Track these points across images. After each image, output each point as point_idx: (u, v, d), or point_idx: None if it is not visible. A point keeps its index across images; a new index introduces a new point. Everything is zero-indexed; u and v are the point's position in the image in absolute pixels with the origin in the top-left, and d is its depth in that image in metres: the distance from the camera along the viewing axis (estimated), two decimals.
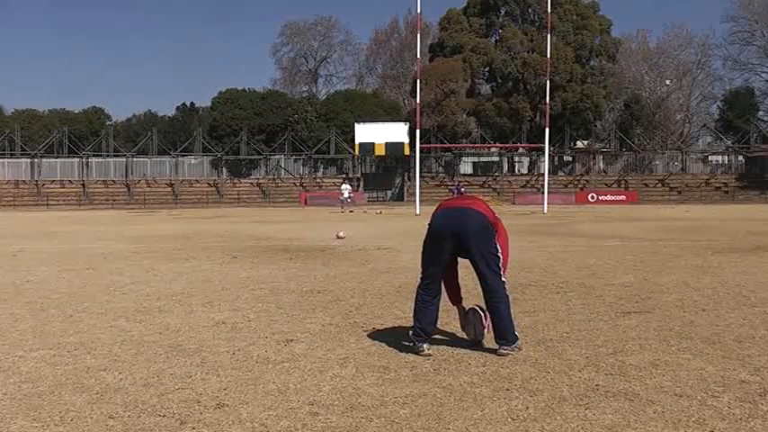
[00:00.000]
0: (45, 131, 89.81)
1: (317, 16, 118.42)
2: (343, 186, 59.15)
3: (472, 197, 8.54)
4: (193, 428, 5.51)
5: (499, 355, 7.45)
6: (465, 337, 8.15)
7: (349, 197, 58.77)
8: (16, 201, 79.30)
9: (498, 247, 7.72)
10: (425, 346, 7.70)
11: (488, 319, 7.84)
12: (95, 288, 13.29)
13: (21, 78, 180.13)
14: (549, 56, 56.44)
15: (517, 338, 7.72)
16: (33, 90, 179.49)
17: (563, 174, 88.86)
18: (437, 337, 8.53)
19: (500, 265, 7.68)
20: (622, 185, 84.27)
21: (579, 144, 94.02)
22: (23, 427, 5.65)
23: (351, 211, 53.42)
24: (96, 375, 7.06)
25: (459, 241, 7.68)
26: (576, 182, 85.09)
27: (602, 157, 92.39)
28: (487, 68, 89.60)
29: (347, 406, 5.99)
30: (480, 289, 7.82)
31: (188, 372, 7.10)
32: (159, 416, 5.82)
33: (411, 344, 7.76)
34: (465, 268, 8.25)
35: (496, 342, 7.64)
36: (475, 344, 7.99)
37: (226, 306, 10.98)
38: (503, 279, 7.70)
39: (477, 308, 8.09)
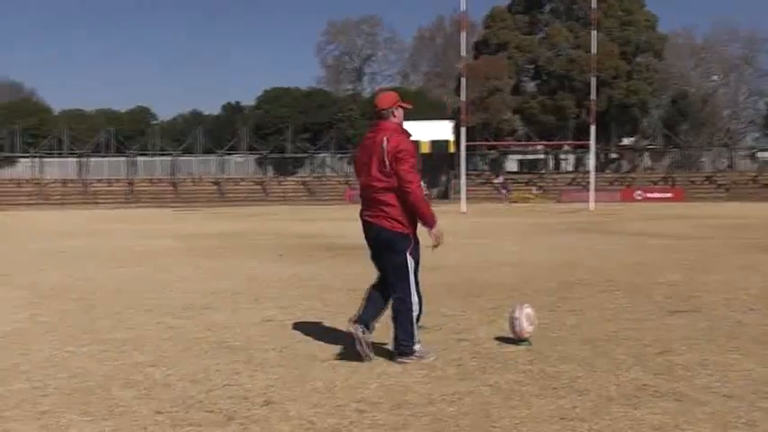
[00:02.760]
0: (92, 131, 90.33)
1: (362, 14, 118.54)
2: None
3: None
4: (241, 425, 5.53)
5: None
6: (512, 335, 8.09)
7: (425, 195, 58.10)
8: (64, 199, 79.88)
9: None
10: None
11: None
12: (142, 285, 13.39)
13: (68, 79, 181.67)
14: (594, 52, 56.06)
15: (412, 351, 7.38)
16: (81, 91, 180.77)
17: (609, 171, 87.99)
18: (482, 335, 8.50)
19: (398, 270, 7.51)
20: (669, 183, 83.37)
21: (625, 141, 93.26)
22: (73, 420, 5.70)
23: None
24: (144, 371, 7.11)
25: None
26: (622, 179, 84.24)
27: (648, 154, 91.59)
28: (532, 66, 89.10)
29: (394, 403, 5.98)
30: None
31: (235, 368, 7.13)
32: (207, 411, 5.85)
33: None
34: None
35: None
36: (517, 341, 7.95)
37: (272, 303, 11.02)
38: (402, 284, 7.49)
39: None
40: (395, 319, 7.44)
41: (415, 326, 7.37)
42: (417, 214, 7.39)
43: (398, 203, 7.32)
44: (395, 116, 7.54)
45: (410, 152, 7.31)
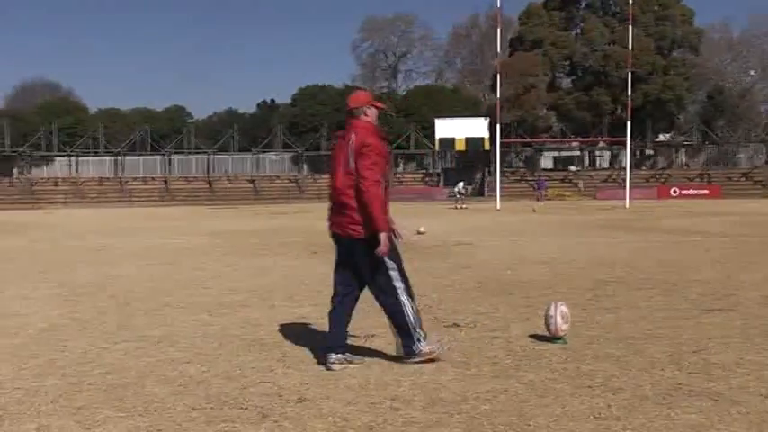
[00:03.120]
0: (128, 130, 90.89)
1: (397, 12, 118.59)
2: (459, 185, 58.29)
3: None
4: (275, 422, 5.55)
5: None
6: (546, 333, 8.06)
7: (462, 194, 57.30)
8: (100, 197, 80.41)
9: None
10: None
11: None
12: (178, 282, 13.46)
13: (104, 79, 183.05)
14: (630, 48, 55.74)
15: (419, 349, 7.14)
16: (116, 90, 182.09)
17: (645, 168, 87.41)
18: (516, 333, 8.48)
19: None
20: (705, 179, 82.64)
21: (661, 137, 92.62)
22: (108, 416, 5.74)
23: (465, 207, 52.32)
24: (179, 368, 7.15)
25: None
26: (657, 176, 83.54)
27: (684, 150, 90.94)
28: (568, 62, 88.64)
29: (428, 401, 5.98)
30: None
31: (270, 365, 7.16)
32: (241, 408, 5.87)
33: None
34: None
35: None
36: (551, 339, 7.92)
37: (306, 301, 11.04)
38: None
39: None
40: (392, 326, 7.27)
41: (414, 325, 7.12)
42: (368, 214, 6.94)
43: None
44: (367, 115, 7.37)
45: (375, 149, 7.06)
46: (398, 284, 7.14)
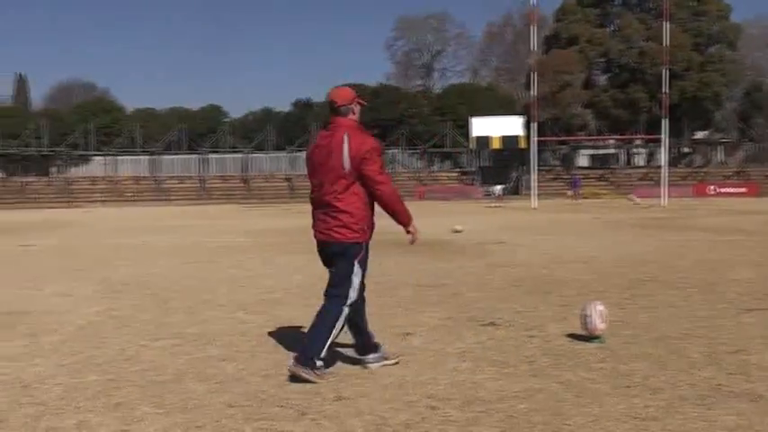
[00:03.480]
0: (164, 129, 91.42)
1: (431, 10, 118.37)
2: (496, 188, 58.22)
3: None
4: (313, 420, 5.56)
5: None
6: (584, 332, 8.02)
7: (499, 195, 57.07)
8: (137, 196, 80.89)
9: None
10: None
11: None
12: (215, 280, 13.53)
13: (141, 79, 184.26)
14: (666, 44, 55.35)
15: (313, 364, 6.65)
16: (152, 91, 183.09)
17: (681, 166, 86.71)
18: (553, 332, 8.46)
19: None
20: (743, 177, 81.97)
21: (698, 135, 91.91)
22: (147, 413, 5.78)
23: (499, 206, 52.28)
24: (217, 365, 7.18)
25: None
26: (694, 174, 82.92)
27: (721, 147, 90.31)
28: (603, 59, 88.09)
29: (465, 400, 5.98)
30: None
31: None
32: (279, 406, 5.89)
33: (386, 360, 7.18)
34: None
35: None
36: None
37: None
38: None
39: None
40: (310, 330, 6.92)
41: (328, 342, 6.70)
42: (392, 214, 6.96)
43: (352, 209, 6.79)
44: (354, 113, 7.08)
45: (377, 151, 6.83)
46: (350, 298, 6.84)
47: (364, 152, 6.70)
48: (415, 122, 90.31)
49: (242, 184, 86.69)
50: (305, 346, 6.75)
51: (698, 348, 7.55)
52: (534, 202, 51.31)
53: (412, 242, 7.17)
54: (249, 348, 7.90)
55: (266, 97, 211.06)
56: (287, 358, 7.32)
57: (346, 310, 6.81)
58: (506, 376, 6.64)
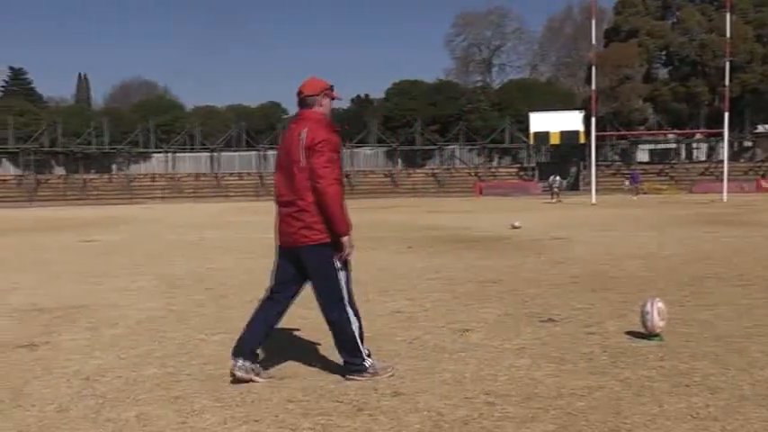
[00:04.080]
0: (223, 126, 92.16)
1: (491, 5, 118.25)
2: (551, 179, 57.58)
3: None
4: (370, 415, 5.56)
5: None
6: (642, 330, 7.94)
7: (558, 188, 56.39)
8: (197, 192, 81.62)
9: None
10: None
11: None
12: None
13: (200, 78, 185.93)
14: (728, 36, 54.64)
15: (364, 367, 6.59)
16: (212, 88, 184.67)
17: (743, 160, 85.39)
18: (612, 329, 8.38)
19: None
20: None
21: (760, 128, 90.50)
22: (206, 406, 5.83)
23: (559, 201, 51.79)
24: (275, 360, 7.20)
25: None
26: (756, 168, 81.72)
27: None
28: (664, 52, 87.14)
29: (523, 396, 5.94)
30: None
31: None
32: (337, 401, 5.90)
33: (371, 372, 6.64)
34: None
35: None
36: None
37: (401, 295, 11.06)
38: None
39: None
40: (336, 344, 6.72)
41: (359, 342, 6.58)
42: (328, 217, 6.36)
43: (315, 207, 6.39)
44: (321, 105, 6.67)
45: (330, 144, 6.38)
46: (345, 296, 6.56)
47: (316, 143, 6.33)
48: (474, 118, 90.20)
49: None
50: (345, 362, 6.64)
51: (759, 347, 7.43)
52: (594, 197, 50.93)
53: (341, 258, 6.50)
54: (307, 344, 7.93)
55: None
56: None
57: (349, 309, 6.59)
58: (565, 373, 6.59)
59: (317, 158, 6.29)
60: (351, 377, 6.52)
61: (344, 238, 6.44)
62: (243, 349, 6.58)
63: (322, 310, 6.74)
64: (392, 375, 6.58)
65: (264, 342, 6.83)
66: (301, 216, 6.42)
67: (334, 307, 6.58)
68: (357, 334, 6.58)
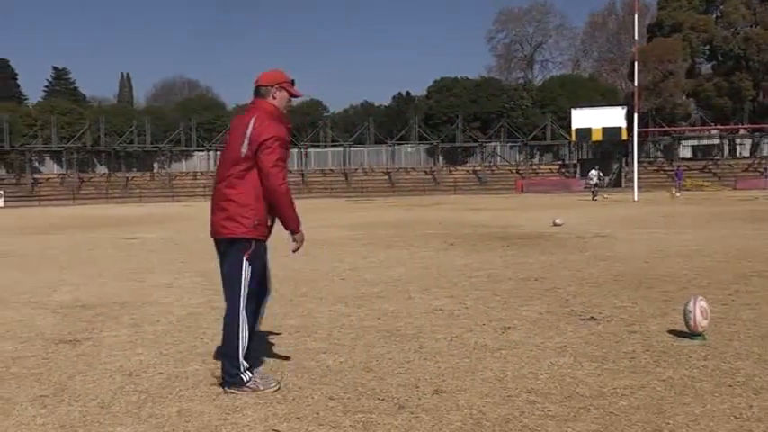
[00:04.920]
0: None
1: (533, 2, 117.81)
2: (592, 173, 56.88)
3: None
4: (412, 413, 5.56)
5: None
6: (685, 329, 7.87)
7: (597, 183, 55.49)
8: None
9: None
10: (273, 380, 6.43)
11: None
12: (315, 274, 13.62)
13: (241, 76, 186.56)
14: None
15: (241, 381, 6.20)
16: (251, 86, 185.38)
17: None
18: (654, 328, 8.33)
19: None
20: None
21: None
22: (247, 403, 5.85)
23: (605, 197, 50.84)
24: (316, 358, 7.23)
25: None
26: None
27: None
28: (708, 46, 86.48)
29: (565, 395, 5.92)
30: None
31: (406, 357, 7.17)
32: (378, 399, 5.90)
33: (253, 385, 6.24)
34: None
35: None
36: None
37: (443, 293, 11.05)
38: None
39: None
40: (222, 348, 6.42)
41: (241, 353, 6.20)
42: (279, 214, 6.27)
43: (243, 199, 6.15)
44: (275, 98, 6.40)
45: (280, 141, 6.13)
46: (242, 301, 6.22)
47: (265, 138, 6.08)
48: (515, 115, 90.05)
49: (342, 178, 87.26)
50: (223, 367, 6.31)
51: None
52: (636, 194, 50.59)
53: (294, 250, 6.46)
54: (349, 341, 7.93)
55: (366, 91, 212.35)
56: (387, 352, 7.37)
57: (244, 312, 6.24)
58: (606, 372, 6.56)
59: (268, 155, 6.09)
60: (229, 390, 6.17)
61: (297, 236, 6.38)
62: (228, 375, 6.27)
63: (225, 301, 6.38)
64: (277, 389, 6.20)
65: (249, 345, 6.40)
66: (228, 207, 6.21)
67: (231, 309, 6.28)
68: (241, 345, 6.22)
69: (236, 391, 6.11)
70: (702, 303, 7.69)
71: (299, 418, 5.48)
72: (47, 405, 5.93)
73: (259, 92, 6.42)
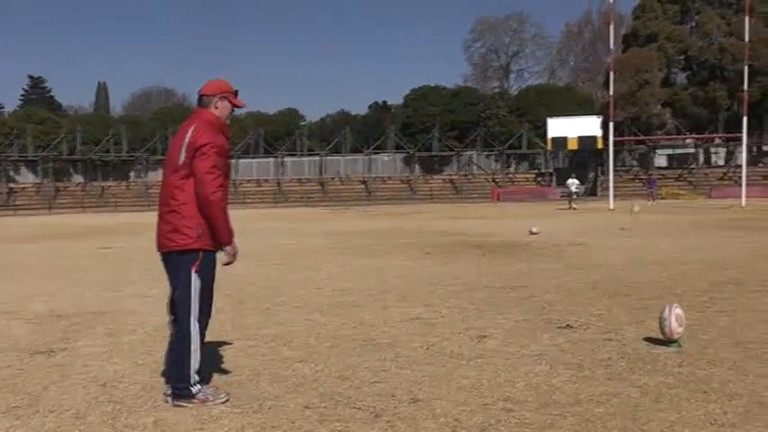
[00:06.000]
0: (241, 133, 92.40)
1: (509, 11, 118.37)
2: (569, 181, 56.70)
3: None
4: (388, 422, 5.56)
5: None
6: (661, 336, 7.90)
7: (576, 192, 55.14)
8: None
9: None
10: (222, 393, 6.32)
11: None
12: (291, 282, 13.61)
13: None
14: (747, 39, 54.40)
15: (190, 393, 6.12)
16: None
17: (762, 165, 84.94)
18: (630, 335, 8.35)
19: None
20: None
21: None
22: (223, 412, 5.85)
23: (574, 208, 50.03)
24: (292, 366, 7.23)
25: None
26: None
27: None
28: (683, 56, 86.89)
29: (541, 403, 5.93)
30: None
31: (382, 366, 7.18)
32: (354, 408, 5.90)
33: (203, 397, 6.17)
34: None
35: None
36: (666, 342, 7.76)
37: (419, 302, 11.05)
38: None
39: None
40: (169, 359, 6.32)
41: (192, 362, 6.11)
42: (211, 225, 6.06)
43: (186, 210, 6.03)
44: (216, 108, 6.28)
45: (216, 148, 6.02)
46: (193, 312, 6.13)
47: (201, 144, 5.98)
48: (492, 124, 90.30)
49: (318, 187, 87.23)
50: (172, 379, 6.20)
51: None
52: (612, 203, 50.75)
53: (226, 264, 6.27)
54: (325, 350, 7.92)
55: (343, 100, 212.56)
56: (363, 361, 7.38)
57: (196, 325, 6.14)
58: (583, 379, 6.58)
59: (202, 162, 5.97)
60: (178, 403, 6.08)
61: (227, 248, 6.23)
62: (176, 389, 6.17)
63: (175, 313, 6.25)
64: (226, 401, 6.14)
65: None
66: (171, 218, 6.09)
67: (181, 323, 6.16)
68: (194, 358, 6.14)
69: (185, 404, 6.04)
70: (678, 311, 7.73)
71: (274, 427, 5.48)
72: (20, 416, 5.90)
73: (201, 101, 6.32)
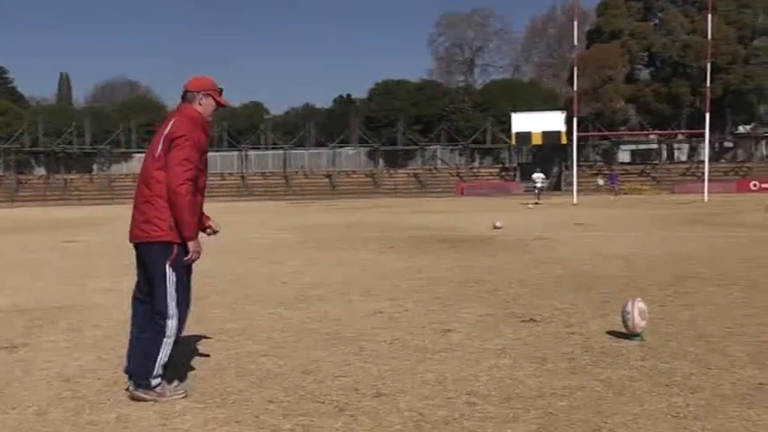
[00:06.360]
0: None
1: (474, 6, 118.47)
2: (535, 175, 56.47)
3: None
4: (352, 416, 5.57)
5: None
6: (624, 330, 7.95)
7: (541, 187, 54.88)
8: None
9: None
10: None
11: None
12: (256, 276, 13.58)
13: (181, 78, 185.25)
14: (709, 37, 54.78)
15: (149, 385, 6.07)
16: None
17: (724, 161, 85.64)
18: (594, 329, 8.40)
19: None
20: None
21: (741, 129, 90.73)
22: (187, 407, 5.82)
23: (535, 204, 48.73)
24: (257, 361, 7.21)
25: None
26: (737, 169, 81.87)
27: (765, 142, 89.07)
28: (646, 53, 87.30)
29: (504, 396, 5.96)
30: None
31: (346, 360, 7.18)
32: (318, 402, 5.90)
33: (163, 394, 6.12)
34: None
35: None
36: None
37: (383, 296, 11.06)
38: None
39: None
40: (137, 349, 6.24)
41: (161, 355, 6.07)
42: (175, 217, 6.00)
43: (160, 201, 6.04)
44: (200, 104, 6.28)
45: (191, 141, 6.02)
46: (170, 304, 6.08)
47: (178, 136, 6.01)
48: (456, 118, 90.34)
49: (282, 181, 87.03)
50: (137, 367, 6.14)
51: (740, 347, 7.46)
52: (575, 197, 51.00)
53: (189, 260, 6.19)
54: (289, 344, 7.91)
55: (307, 94, 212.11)
56: (327, 355, 7.37)
57: (170, 322, 6.09)
58: (546, 373, 6.61)
59: (175, 153, 5.98)
60: (136, 393, 6.07)
61: (190, 243, 6.13)
62: (138, 377, 6.15)
63: (152, 305, 6.19)
64: (185, 397, 6.10)
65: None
66: (145, 208, 6.13)
67: (160, 308, 6.09)
68: (162, 350, 6.08)
69: (143, 395, 6.02)
70: (641, 305, 7.78)
71: (238, 422, 5.47)
72: None
73: (186, 96, 6.34)
